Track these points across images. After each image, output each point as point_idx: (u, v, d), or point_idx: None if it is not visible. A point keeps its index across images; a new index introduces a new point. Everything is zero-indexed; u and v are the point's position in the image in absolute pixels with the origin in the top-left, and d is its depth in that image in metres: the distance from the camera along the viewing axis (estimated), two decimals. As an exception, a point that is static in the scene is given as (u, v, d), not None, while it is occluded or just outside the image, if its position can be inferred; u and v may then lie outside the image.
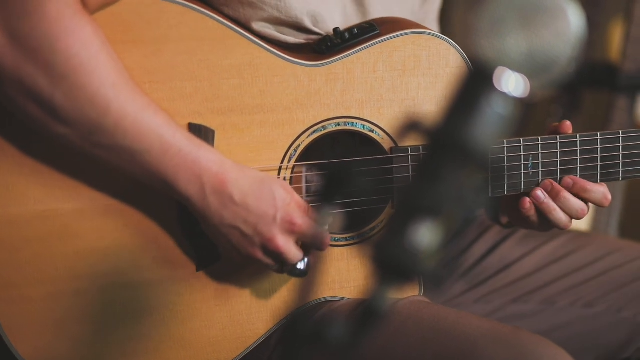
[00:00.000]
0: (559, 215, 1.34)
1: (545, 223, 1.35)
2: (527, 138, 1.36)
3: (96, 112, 1.18)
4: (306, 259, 1.28)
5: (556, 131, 1.38)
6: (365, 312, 0.69)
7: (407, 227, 0.68)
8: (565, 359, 1.22)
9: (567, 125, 1.37)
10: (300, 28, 1.36)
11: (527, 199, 1.34)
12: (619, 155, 1.37)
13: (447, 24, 1.81)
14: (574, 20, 0.72)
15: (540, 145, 1.36)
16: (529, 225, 1.38)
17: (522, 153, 1.36)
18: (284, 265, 1.28)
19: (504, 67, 0.71)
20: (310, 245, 1.27)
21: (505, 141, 1.32)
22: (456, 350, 1.23)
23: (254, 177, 1.24)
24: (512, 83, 0.71)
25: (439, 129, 0.70)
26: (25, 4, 1.15)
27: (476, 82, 0.70)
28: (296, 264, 1.28)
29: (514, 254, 1.55)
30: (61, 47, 1.15)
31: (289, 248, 1.25)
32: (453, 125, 0.69)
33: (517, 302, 1.52)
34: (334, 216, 1.28)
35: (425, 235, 0.69)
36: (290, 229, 1.24)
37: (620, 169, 1.37)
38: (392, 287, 0.68)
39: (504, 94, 0.70)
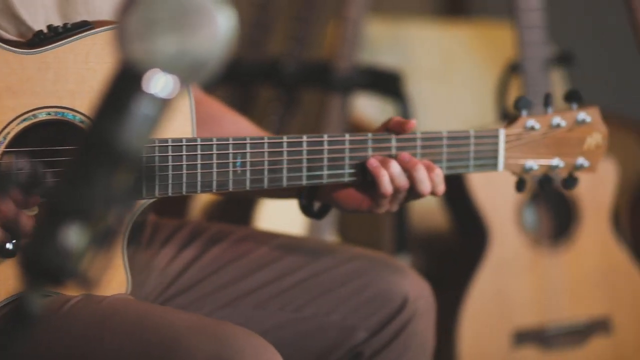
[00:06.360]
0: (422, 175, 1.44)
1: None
2: (236, 137, 1.41)
3: None
4: (14, 240, 1.31)
5: (394, 128, 1.47)
6: (16, 315, 0.71)
7: (54, 228, 0.71)
8: (267, 349, 1.32)
9: (411, 125, 1.47)
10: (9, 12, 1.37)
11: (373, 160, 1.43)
12: (324, 158, 1.45)
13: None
14: (223, 23, 0.77)
15: (248, 144, 1.41)
16: (361, 202, 1.47)
17: (230, 151, 1.41)
18: None
19: (155, 69, 0.75)
20: (13, 228, 1.30)
21: (157, 140, 1.36)
22: (161, 342, 1.30)
23: None
24: (161, 84, 0.75)
25: (89, 129, 0.72)
26: None
27: (125, 83, 0.73)
28: (3, 244, 1.30)
29: (224, 258, 1.59)
30: None
31: None
32: (102, 125, 0.72)
33: (228, 307, 1.56)
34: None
35: (74, 236, 0.71)
36: None
37: (325, 171, 1.44)
38: (43, 288, 0.70)
39: (152, 95, 0.74)
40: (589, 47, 3.65)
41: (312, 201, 1.52)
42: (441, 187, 1.46)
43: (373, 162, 1.45)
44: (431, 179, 1.45)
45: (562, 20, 3.08)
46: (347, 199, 1.49)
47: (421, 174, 1.45)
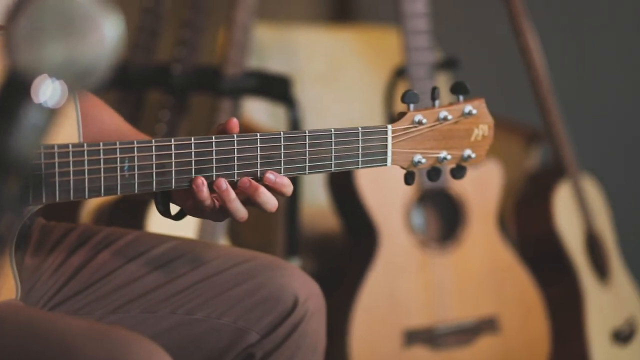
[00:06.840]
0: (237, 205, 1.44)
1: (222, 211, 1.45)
2: (123, 142, 1.41)
3: None
4: None
5: (224, 130, 1.47)
6: None
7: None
8: (160, 354, 1.34)
9: (234, 123, 1.46)
10: None
11: (200, 179, 1.42)
12: (212, 159, 1.45)
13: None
14: (110, 29, 0.78)
15: (136, 148, 1.41)
16: (205, 212, 1.46)
17: (118, 156, 1.40)
18: None
19: (42, 76, 0.75)
20: None
21: (43, 146, 1.35)
22: (53, 349, 1.31)
23: None
24: (49, 92, 0.75)
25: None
26: None
27: (13, 91, 0.74)
28: None
29: (114, 262, 1.59)
30: None
31: None
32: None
33: (118, 311, 1.56)
34: None
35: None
36: None
37: (215, 172, 1.45)
38: None
39: (39, 104, 0.74)
40: (473, 52, 3.74)
41: (167, 204, 1.52)
42: (288, 190, 1.47)
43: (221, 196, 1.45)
44: (279, 191, 1.47)
45: (447, 26, 3.15)
46: (190, 207, 1.49)
47: (263, 197, 1.46)
